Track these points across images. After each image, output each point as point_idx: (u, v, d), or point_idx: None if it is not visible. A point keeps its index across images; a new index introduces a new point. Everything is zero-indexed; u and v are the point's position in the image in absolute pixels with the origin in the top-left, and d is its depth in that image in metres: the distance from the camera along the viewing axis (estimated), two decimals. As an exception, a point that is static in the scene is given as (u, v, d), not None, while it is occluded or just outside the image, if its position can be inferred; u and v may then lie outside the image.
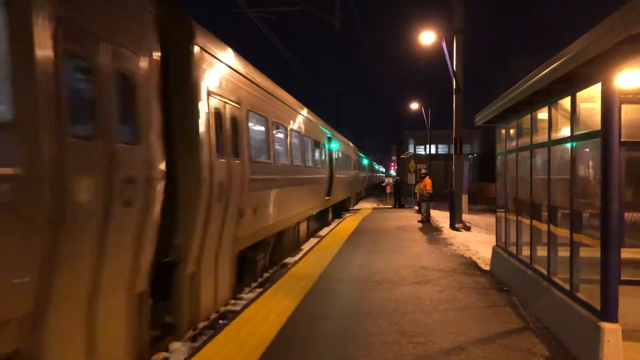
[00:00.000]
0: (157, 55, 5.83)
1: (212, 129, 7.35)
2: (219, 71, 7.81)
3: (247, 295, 9.37)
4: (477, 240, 14.74)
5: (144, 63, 5.46)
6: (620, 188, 5.27)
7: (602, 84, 5.20)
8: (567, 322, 6.00)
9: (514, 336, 6.30)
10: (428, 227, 19.14)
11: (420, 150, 75.28)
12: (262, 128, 10.49)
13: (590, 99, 5.79)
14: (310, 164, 16.06)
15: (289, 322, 6.87)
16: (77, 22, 4.29)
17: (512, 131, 9.39)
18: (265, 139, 10.64)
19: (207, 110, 7.17)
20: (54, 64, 3.91)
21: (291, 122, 13.37)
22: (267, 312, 7.34)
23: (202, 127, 6.96)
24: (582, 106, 6.07)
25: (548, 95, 6.85)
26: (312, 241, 16.22)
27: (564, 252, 6.44)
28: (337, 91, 61.58)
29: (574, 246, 6.03)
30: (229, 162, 7.98)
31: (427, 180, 21.49)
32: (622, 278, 5.30)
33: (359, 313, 7.28)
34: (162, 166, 5.77)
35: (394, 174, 61.00)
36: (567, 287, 6.17)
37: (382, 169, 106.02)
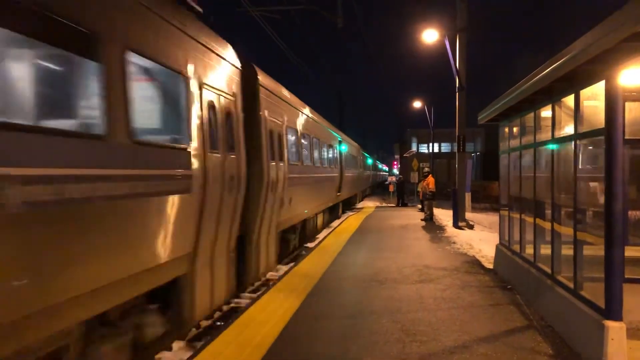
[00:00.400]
0: (240, 94, 8.72)
1: (268, 142, 10.16)
2: (270, 99, 10.73)
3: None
4: (480, 239, 14.72)
5: (235, 101, 8.42)
6: (624, 186, 5.26)
7: (605, 82, 5.19)
8: (571, 320, 5.99)
9: (517, 334, 6.29)
10: (431, 225, 19.12)
11: (423, 149, 75.21)
12: (294, 137, 13.37)
13: (593, 97, 5.78)
14: (326, 165, 19.05)
15: (292, 320, 6.87)
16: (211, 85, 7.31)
17: (515, 129, 9.38)
18: (297, 146, 13.59)
19: (265, 128, 9.98)
20: (207, 113, 7.09)
21: (313, 130, 16.29)
22: (271, 310, 7.34)
23: (263, 141, 9.76)
24: (585, 104, 6.05)
25: (551, 93, 6.83)
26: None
27: (567, 251, 6.43)
28: (339, 90, 61.46)
29: (577, 244, 6.02)
30: (277, 165, 10.73)
31: (430, 179, 21.52)
32: (626, 276, 5.30)
33: (362, 312, 7.28)
34: (245, 168, 8.62)
35: (397, 172, 60.96)
36: (571, 285, 6.16)
37: (385, 168, 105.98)
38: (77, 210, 4.15)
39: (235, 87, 8.43)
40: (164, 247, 5.73)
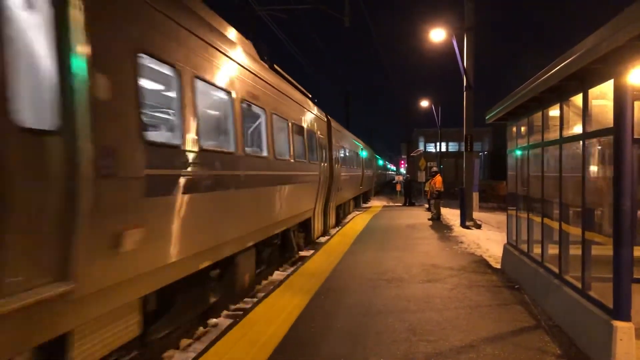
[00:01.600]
0: (326, 133, 17.38)
1: (335, 156, 18.64)
2: (335, 133, 19.60)
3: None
4: (488, 238, 14.67)
5: (325, 137, 16.94)
6: (633, 185, 5.23)
7: (614, 81, 5.16)
8: (579, 320, 5.96)
9: (525, 334, 6.27)
10: (438, 225, 19.09)
11: (431, 148, 75.02)
12: (343, 152, 22.13)
13: (602, 95, 5.74)
14: (354, 166, 27.24)
15: (300, 319, 6.88)
16: (316, 133, 15.31)
17: (523, 129, 9.34)
18: (344, 155, 22.75)
19: (334, 148, 18.68)
20: (320, 145, 16.16)
21: (349, 145, 25.28)
22: (278, 310, 7.36)
23: (334, 155, 18.49)
24: (594, 103, 6.01)
25: (559, 92, 6.80)
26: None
27: (575, 250, 6.40)
28: (347, 91, 61.57)
29: (585, 244, 5.99)
30: (339, 168, 19.62)
31: (438, 178, 21.48)
32: (635, 276, 5.26)
33: (369, 311, 7.28)
34: (328, 172, 16.86)
35: (404, 172, 60.78)
36: (579, 285, 6.13)
37: (393, 167, 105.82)
38: (296, 184, 11.91)
39: (325, 130, 17.40)
40: (307, 204, 13.64)
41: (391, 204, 33.90)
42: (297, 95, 13.07)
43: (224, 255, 7.43)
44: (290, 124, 11.62)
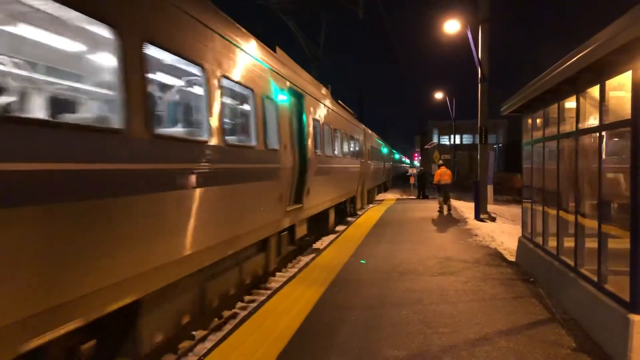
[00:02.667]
0: (363, 137, 25.30)
1: (368, 154, 26.53)
2: (370, 137, 29.22)
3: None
4: (503, 231, 14.59)
5: (363, 140, 24.90)
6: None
7: (632, 72, 5.09)
8: (595, 313, 5.92)
9: (540, 327, 6.25)
10: (452, 218, 19.00)
11: (445, 141, 74.62)
12: (372, 151, 28.78)
13: (620, 87, 5.67)
14: (379, 160, 35.19)
15: (314, 311, 6.92)
16: (358, 139, 23.17)
17: (538, 121, 9.26)
18: (373, 153, 29.39)
19: (367, 148, 26.60)
20: (364, 147, 25.60)
21: (374, 144, 32.01)
22: (292, 301, 7.40)
23: (367, 153, 26.04)
24: (611, 95, 5.94)
25: (576, 84, 6.73)
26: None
27: (591, 243, 6.35)
28: (360, 84, 61.54)
29: (602, 237, 5.94)
30: (370, 163, 27.16)
31: (440, 170, 21.04)
32: (652, 270, 5.21)
33: (383, 303, 7.30)
34: (365, 166, 24.56)
35: (418, 164, 60.62)
36: (595, 278, 6.09)
37: (407, 160, 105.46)
38: (350, 173, 19.57)
39: (362, 136, 24.66)
40: (353, 186, 20.33)
41: (404, 197, 33.81)
42: (347, 115, 20.57)
43: (334, 204, 16.23)
44: (347, 135, 19.22)
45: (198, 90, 6.73)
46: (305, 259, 12.27)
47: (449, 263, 10.13)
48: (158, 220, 5.19)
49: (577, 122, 6.88)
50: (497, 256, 10.94)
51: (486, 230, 14.83)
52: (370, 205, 25.87)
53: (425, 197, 31.41)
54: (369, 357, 5.40)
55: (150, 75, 5.30)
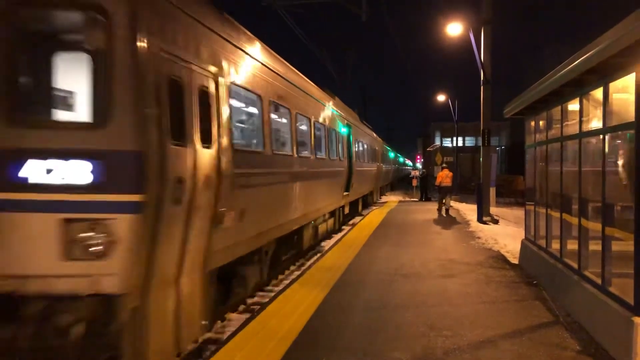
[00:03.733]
0: (381, 146, 35.25)
1: (381, 158, 33.50)
2: (382, 145, 37.95)
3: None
4: (506, 234, 14.57)
5: (379, 148, 33.15)
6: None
7: (636, 74, 5.08)
8: (599, 316, 5.91)
9: (543, 330, 6.23)
10: (455, 220, 18.98)
11: (447, 143, 74.54)
12: (384, 156, 36.53)
13: (623, 89, 5.67)
14: (388, 164, 41.54)
15: (317, 313, 6.91)
16: (376, 148, 30.61)
17: (541, 123, 9.25)
18: (385, 158, 37.56)
19: (380, 154, 33.30)
20: (379, 155, 32.92)
21: (386, 151, 40.19)
22: (296, 303, 7.40)
23: (380, 158, 32.89)
24: (614, 97, 5.94)
25: (579, 86, 6.72)
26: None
27: (595, 246, 6.34)
28: (362, 85, 61.66)
29: (605, 239, 5.93)
30: (382, 166, 33.61)
31: (442, 173, 21.57)
32: (656, 272, 5.20)
33: (387, 305, 7.29)
34: (379, 168, 31.02)
35: (420, 166, 60.66)
36: (599, 281, 6.08)
37: (409, 162, 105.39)
38: (370, 174, 26.21)
39: (380, 145, 33.98)
40: (372, 184, 27.89)
41: (407, 199, 33.81)
42: (369, 131, 28.29)
43: (361, 196, 23.42)
44: (370, 147, 26.00)
45: (306, 129, 11.95)
46: (308, 262, 12.26)
47: (452, 265, 10.11)
48: (298, 196, 10.48)
49: (581, 124, 6.87)
50: (500, 259, 10.92)
51: (489, 233, 14.81)
52: (373, 208, 25.86)
53: (427, 199, 31.40)
54: (373, 359, 5.40)
55: (274, 117, 9.20)
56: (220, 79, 6.43)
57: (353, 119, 20.92)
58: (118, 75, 4.55)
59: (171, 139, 5.10)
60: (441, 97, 45.11)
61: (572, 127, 7.44)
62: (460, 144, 62.08)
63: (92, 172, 4.50)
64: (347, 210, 19.27)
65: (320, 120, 13.39)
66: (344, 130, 17.22)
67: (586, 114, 6.81)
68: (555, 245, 8.16)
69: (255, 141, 8.42)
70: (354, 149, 19.30)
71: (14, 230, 4.48)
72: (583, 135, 6.83)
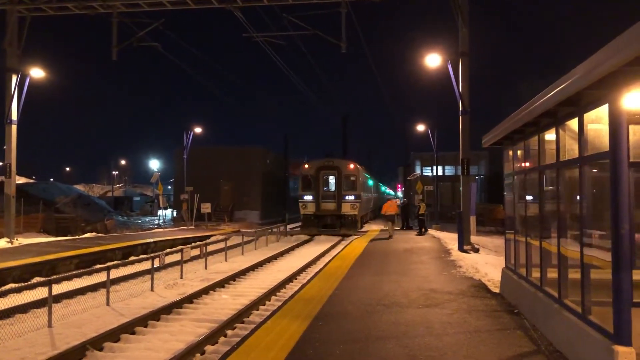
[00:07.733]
0: (374, 181, 49.64)
1: (372, 190, 43.61)
2: (375, 181, 50.39)
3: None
4: (486, 262, 14.63)
5: (373, 184, 46.23)
6: (631, 209, 5.24)
7: (609, 105, 5.21)
8: (580, 345, 5.91)
9: (525, 360, 6.21)
10: (436, 249, 19.02)
11: (427, 172, 75.12)
12: (373, 189, 45.56)
13: (598, 120, 5.79)
14: (375, 194, 47.57)
15: (298, 346, 6.81)
16: (370, 185, 44.18)
17: (519, 152, 9.39)
18: (373, 190, 44.84)
19: (371, 188, 43.55)
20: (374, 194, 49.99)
21: (375, 184, 49.51)
22: (276, 335, 7.28)
23: (371, 190, 43.50)
24: (590, 127, 6.06)
25: (555, 116, 6.86)
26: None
27: (574, 274, 6.38)
28: (344, 116, 62.34)
29: (584, 268, 5.97)
30: (374, 195, 46.24)
31: (387, 203, 26.96)
32: (634, 300, 5.23)
33: (369, 336, 7.22)
34: (373, 199, 45.45)
35: (402, 195, 61.09)
36: (579, 309, 6.10)
37: (390, 191, 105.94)
38: (370, 202, 43.58)
39: (374, 181, 46.80)
40: (370, 206, 42.57)
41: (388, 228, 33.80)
42: (371, 175, 43.29)
43: (367, 212, 40.15)
44: (370, 186, 39.95)
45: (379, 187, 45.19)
46: (289, 293, 12.13)
47: (434, 295, 10.09)
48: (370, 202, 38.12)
49: (558, 153, 6.98)
50: (481, 287, 10.93)
51: (470, 262, 14.85)
52: (354, 237, 25.80)
53: (409, 227, 31.47)
54: (354, 392, 5.31)
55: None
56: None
57: (369, 172, 38.10)
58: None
59: None
60: (421, 127, 45.66)
61: (549, 157, 7.55)
62: (440, 173, 62.63)
63: None
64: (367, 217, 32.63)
65: None
66: (369, 181, 37.72)
67: (563, 143, 6.93)
68: (536, 274, 8.19)
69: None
70: (369, 189, 35.95)
71: None
72: (560, 164, 6.94)
